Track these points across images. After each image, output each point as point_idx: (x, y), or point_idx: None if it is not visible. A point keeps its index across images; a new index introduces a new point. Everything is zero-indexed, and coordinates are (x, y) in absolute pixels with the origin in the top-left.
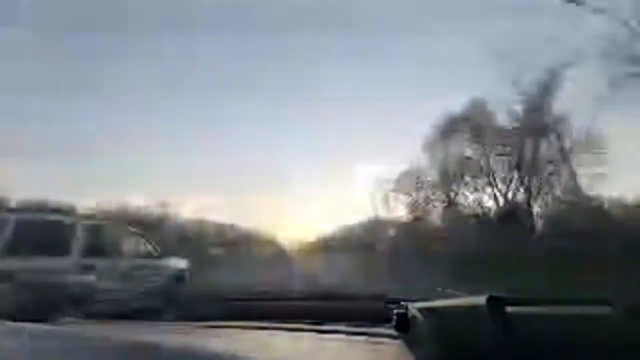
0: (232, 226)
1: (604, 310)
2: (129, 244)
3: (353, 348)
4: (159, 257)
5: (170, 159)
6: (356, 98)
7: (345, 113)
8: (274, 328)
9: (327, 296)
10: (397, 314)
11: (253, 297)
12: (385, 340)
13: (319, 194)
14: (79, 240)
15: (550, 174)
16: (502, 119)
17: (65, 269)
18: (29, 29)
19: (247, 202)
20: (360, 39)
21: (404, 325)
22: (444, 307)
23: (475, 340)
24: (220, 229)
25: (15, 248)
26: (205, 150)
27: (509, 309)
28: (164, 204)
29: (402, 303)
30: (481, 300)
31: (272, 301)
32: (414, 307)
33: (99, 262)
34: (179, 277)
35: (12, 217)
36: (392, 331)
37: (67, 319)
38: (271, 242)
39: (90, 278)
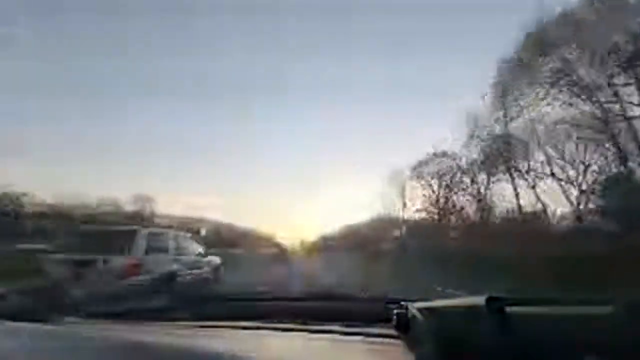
0: (230, 225)
1: (604, 310)
2: (191, 246)
3: (352, 348)
4: (206, 255)
5: (169, 158)
6: (357, 97)
7: (346, 111)
8: (274, 328)
9: (327, 297)
10: (397, 314)
11: (254, 297)
12: (385, 340)
13: (319, 193)
14: (171, 243)
15: None
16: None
17: (165, 262)
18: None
19: (247, 202)
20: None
21: (404, 325)
22: (444, 307)
23: (475, 340)
24: (217, 227)
25: (146, 250)
26: (204, 150)
27: (508, 309)
28: (148, 199)
29: (402, 303)
30: (480, 300)
31: (273, 301)
32: (414, 307)
33: (180, 257)
34: (218, 272)
35: (145, 230)
36: (392, 331)
37: (67, 319)
38: (270, 242)
39: (177, 267)
